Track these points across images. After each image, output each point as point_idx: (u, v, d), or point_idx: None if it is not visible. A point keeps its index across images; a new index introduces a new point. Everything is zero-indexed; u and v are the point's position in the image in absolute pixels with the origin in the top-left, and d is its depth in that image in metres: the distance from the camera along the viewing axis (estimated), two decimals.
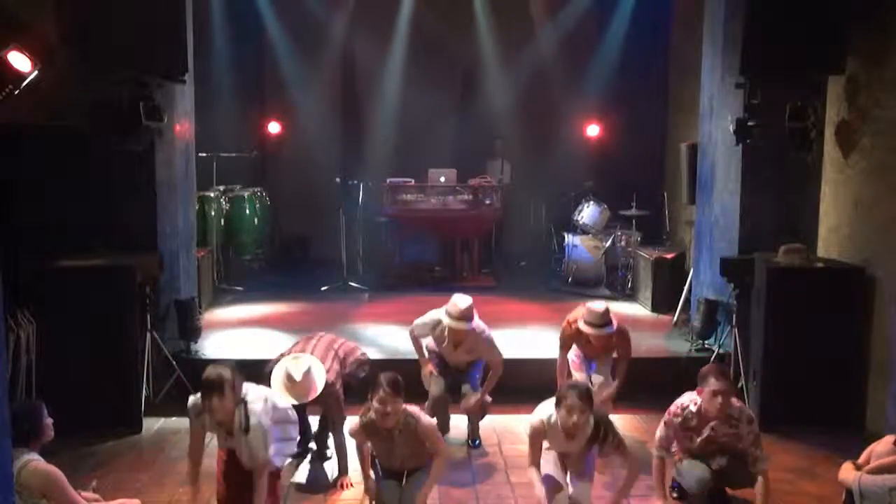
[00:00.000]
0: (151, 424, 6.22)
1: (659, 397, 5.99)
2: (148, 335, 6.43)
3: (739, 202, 6.98)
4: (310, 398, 4.98)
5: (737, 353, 6.67)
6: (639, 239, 9.93)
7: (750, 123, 6.41)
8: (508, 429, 6.19)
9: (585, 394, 4.26)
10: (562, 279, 10.30)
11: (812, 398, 6.17)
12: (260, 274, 10.77)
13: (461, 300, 5.59)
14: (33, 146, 6.41)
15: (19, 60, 5.54)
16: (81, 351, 5.95)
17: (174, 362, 6.66)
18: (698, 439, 4.73)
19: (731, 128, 6.55)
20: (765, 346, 6.17)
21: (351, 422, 4.67)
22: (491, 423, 6.16)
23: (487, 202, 10.30)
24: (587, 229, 10.25)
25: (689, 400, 4.76)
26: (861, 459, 4.58)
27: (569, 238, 10.33)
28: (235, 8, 11.06)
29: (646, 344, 7.37)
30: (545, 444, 4.51)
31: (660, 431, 4.83)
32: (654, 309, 8.75)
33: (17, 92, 5.61)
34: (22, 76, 5.57)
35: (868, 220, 6.30)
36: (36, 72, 5.61)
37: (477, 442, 5.93)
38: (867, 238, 6.31)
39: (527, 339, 7.54)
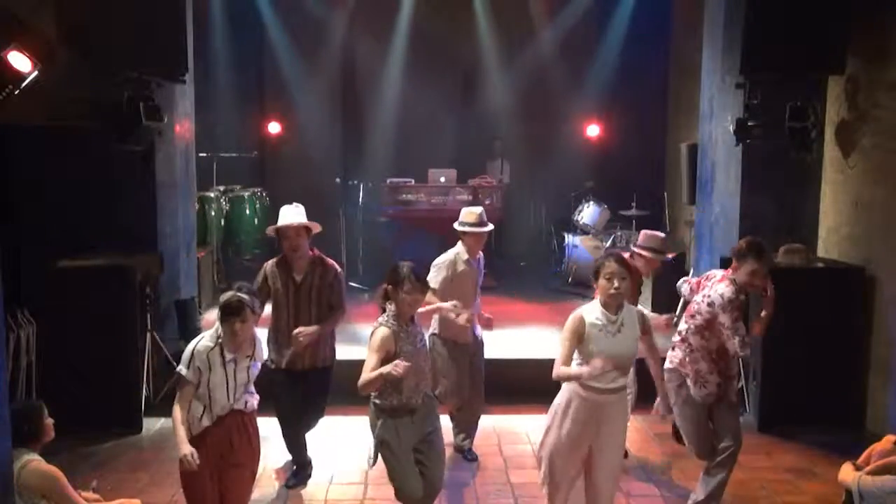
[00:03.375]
0: (151, 424, 6.22)
1: None
2: (148, 335, 6.44)
3: (739, 202, 6.97)
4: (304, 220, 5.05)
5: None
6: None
7: (750, 123, 6.41)
8: (508, 429, 6.19)
9: (622, 259, 4.08)
10: (562, 279, 10.29)
11: (812, 398, 6.17)
12: None
13: (472, 207, 5.74)
14: (33, 146, 6.42)
15: (19, 60, 5.51)
16: (81, 351, 5.95)
17: (174, 362, 6.64)
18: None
19: (731, 128, 6.55)
20: (764, 346, 6.17)
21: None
22: (491, 423, 6.16)
23: (487, 202, 10.28)
24: (587, 229, 10.25)
25: (724, 287, 4.50)
26: (861, 459, 4.58)
27: (569, 238, 10.32)
28: (235, 8, 11.04)
29: None
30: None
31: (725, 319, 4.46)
32: (655, 309, 8.73)
33: (17, 92, 5.59)
34: (22, 76, 5.55)
35: (868, 220, 6.30)
36: (36, 72, 5.59)
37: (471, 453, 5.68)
38: (867, 238, 6.30)
39: (527, 339, 7.53)
